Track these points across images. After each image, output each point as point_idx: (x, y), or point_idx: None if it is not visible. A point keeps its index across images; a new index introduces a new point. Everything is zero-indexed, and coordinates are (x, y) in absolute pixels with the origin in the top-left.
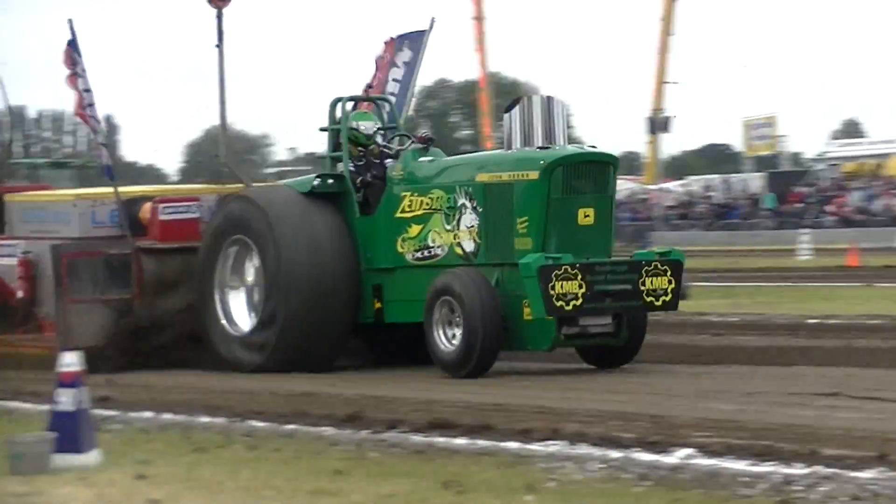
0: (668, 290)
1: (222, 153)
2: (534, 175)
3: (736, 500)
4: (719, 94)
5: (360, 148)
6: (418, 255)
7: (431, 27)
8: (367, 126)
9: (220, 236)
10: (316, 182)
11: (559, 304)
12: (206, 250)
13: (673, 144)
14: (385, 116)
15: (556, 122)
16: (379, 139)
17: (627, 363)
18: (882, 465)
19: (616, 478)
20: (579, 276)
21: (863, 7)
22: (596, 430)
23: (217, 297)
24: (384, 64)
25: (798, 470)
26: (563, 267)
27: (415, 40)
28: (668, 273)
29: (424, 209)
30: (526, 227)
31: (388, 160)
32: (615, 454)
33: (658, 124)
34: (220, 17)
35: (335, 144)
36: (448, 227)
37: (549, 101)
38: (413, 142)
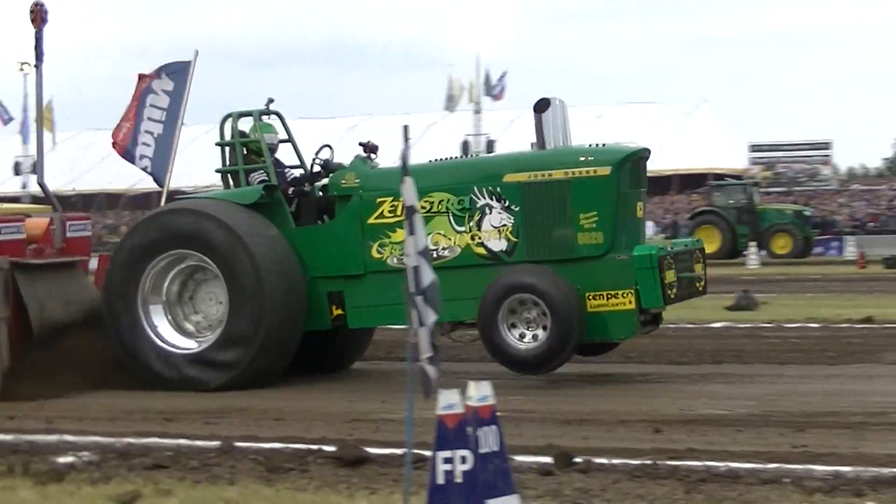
0: (704, 277)
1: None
2: (604, 171)
3: None
4: None
5: (262, 159)
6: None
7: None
8: (270, 137)
9: (151, 251)
10: (262, 193)
11: (669, 293)
12: (126, 266)
13: None
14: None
15: (568, 123)
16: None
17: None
18: None
19: None
20: (674, 266)
21: None
22: None
23: (144, 316)
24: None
25: None
26: (668, 257)
27: (179, 71)
28: (703, 260)
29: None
30: (595, 221)
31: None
32: None
33: None
34: (38, 37)
35: (239, 158)
36: (460, 229)
37: (563, 104)
38: (366, 154)
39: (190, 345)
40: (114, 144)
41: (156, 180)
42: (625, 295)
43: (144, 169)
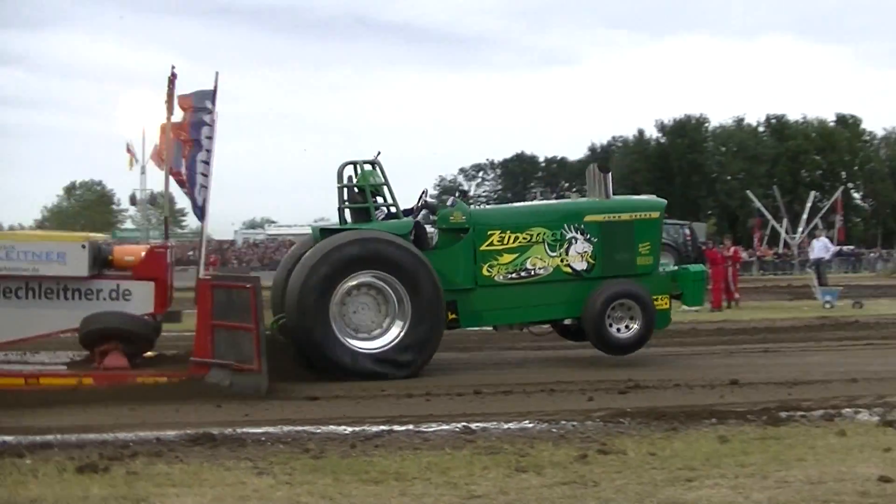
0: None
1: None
2: (655, 215)
3: None
4: None
5: (369, 198)
6: (512, 276)
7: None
8: (377, 181)
9: (344, 272)
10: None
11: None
12: (321, 284)
13: None
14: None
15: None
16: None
17: None
18: None
19: None
20: None
21: None
22: None
23: (334, 324)
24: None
25: None
26: None
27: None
28: None
29: (522, 242)
30: (648, 249)
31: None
32: None
33: None
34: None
35: (368, 197)
36: (553, 254)
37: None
38: (459, 196)
39: (368, 346)
40: (180, 182)
41: (200, 208)
42: (663, 299)
43: (203, 199)
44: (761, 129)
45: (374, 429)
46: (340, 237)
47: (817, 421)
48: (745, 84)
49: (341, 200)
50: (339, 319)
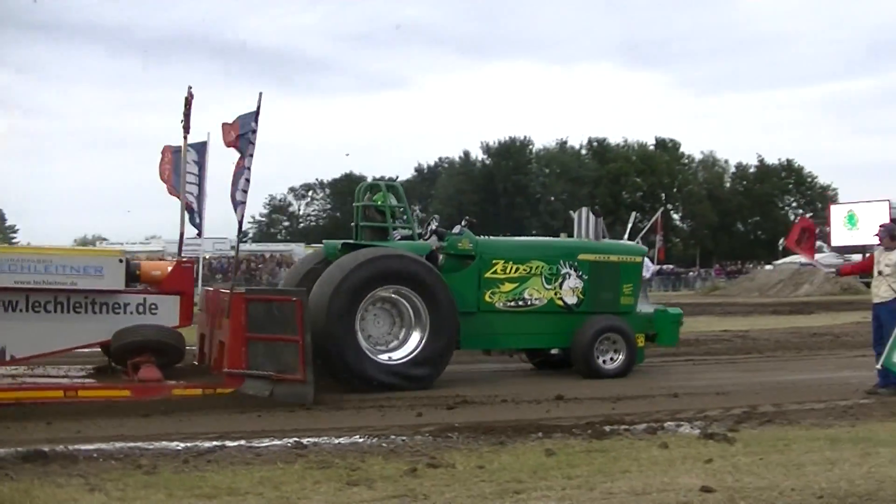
0: None
1: None
2: (639, 259)
3: None
4: None
5: (384, 219)
6: (511, 304)
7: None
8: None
9: (368, 285)
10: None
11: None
12: (346, 299)
13: None
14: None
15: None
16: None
17: None
18: None
19: None
20: None
21: None
22: None
23: (359, 336)
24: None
25: None
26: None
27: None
28: None
29: (522, 273)
30: (630, 290)
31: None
32: None
33: None
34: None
35: (388, 218)
36: (548, 287)
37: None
38: (465, 225)
39: (389, 358)
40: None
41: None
42: (639, 337)
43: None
44: (584, 151)
45: (207, 444)
46: (370, 252)
47: (641, 434)
48: (568, 108)
49: (358, 218)
50: (360, 332)
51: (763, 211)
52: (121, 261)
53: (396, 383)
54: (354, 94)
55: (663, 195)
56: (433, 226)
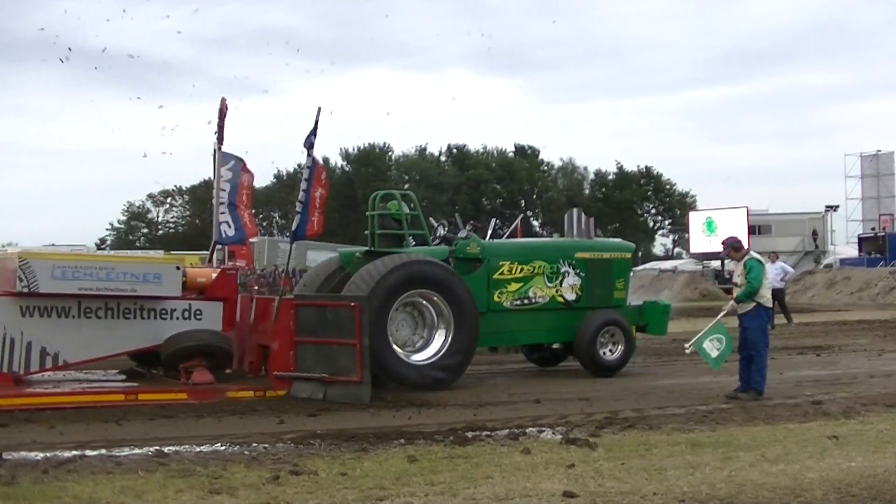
0: None
1: None
2: (628, 255)
3: None
4: None
5: (399, 225)
6: (517, 302)
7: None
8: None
9: (399, 289)
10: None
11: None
12: (379, 302)
13: None
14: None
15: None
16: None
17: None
18: None
19: None
20: None
21: None
22: None
23: (391, 338)
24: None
25: None
26: None
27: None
28: None
29: (526, 273)
30: (622, 285)
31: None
32: None
33: None
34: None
35: (404, 224)
36: (550, 285)
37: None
38: (471, 229)
39: (417, 357)
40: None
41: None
42: (644, 326)
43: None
44: (443, 158)
45: (67, 454)
46: (401, 257)
47: (503, 440)
48: (428, 115)
49: (373, 226)
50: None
51: (623, 217)
52: (178, 268)
53: (420, 383)
54: (213, 99)
55: (523, 202)
56: (441, 232)
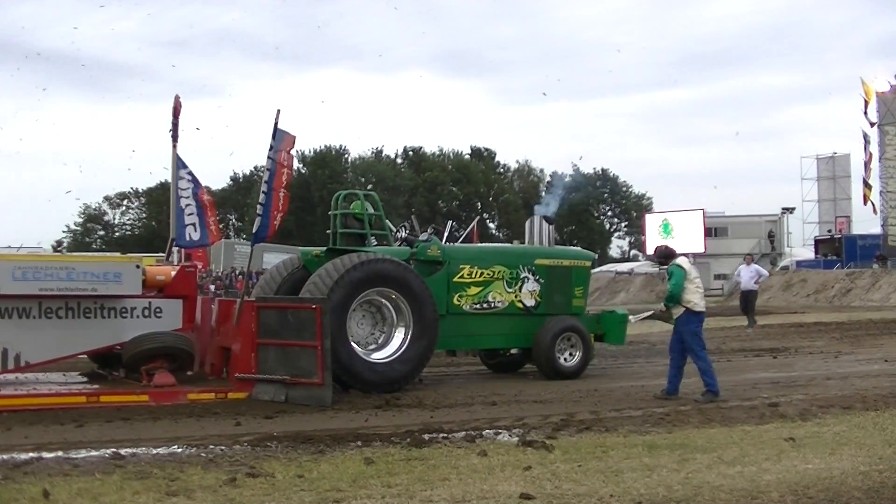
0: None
1: None
2: (588, 263)
3: None
4: None
5: (361, 226)
6: (476, 306)
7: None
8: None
9: (359, 287)
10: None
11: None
12: (341, 297)
13: None
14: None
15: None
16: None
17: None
18: None
19: None
20: None
21: None
22: None
23: (349, 336)
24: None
25: None
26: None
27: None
28: None
29: (486, 277)
30: (581, 292)
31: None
32: None
33: None
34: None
35: (367, 225)
36: (509, 290)
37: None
38: (432, 232)
39: (375, 356)
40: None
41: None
42: (603, 335)
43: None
44: (399, 160)
45: (23, 456)
46: (362, 255)
47: (460, 442)
48: (385, 117)
49: (335, 225)
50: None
51: (579, 220)
52: (137, 266)
53: (379, 382)
54: (170, 101)
55: (479, 204)
56: (402, 234)
